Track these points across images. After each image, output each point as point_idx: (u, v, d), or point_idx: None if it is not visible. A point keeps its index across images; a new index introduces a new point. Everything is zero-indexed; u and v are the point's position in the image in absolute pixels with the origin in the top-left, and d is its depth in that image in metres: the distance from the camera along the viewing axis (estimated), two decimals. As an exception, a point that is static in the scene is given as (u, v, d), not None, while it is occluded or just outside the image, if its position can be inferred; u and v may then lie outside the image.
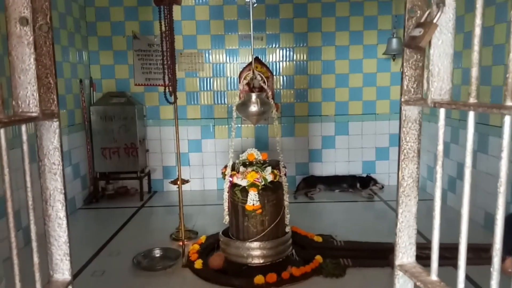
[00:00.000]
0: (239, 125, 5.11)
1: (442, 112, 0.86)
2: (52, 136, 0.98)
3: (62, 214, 1.01)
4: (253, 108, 2.99)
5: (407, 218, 1.16)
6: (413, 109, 0.99)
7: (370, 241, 3.39)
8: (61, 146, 1.00)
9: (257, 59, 4.77)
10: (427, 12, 0.90)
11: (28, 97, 0.88)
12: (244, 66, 4.65)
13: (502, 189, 0.70)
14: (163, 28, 2.70)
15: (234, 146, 3.11)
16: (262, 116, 3.06)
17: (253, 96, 3.03)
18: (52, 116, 0.97)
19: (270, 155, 5.16)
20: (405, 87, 0.99)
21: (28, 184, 0.87)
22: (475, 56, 0.77)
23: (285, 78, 5.16)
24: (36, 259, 0.90)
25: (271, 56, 5.13)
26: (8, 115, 0.85)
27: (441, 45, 0.87)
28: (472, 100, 0.77)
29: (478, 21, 0.76)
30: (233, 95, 5.12)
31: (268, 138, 5.17)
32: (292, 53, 5.11)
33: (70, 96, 4.47)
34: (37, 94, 0.88)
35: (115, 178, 4.93)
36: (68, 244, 1.05)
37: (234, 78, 5.11)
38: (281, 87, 5.17)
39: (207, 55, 5.08)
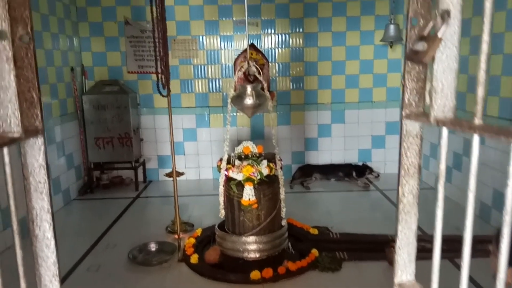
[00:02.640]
0: (234, 114, 5.04)
1: (445, 131, 0.82)
2: (37, 154, 0.94)
3: (49, 234, 0.97)
4: (249, 100, 2.94)
5: (406, 236, 1.13)
6: (414, 124, 0.95)
7: (366, 233, 3.40)
8: (46, 163, 0.95)
9: (252, 46, 4.66)
10: (430, 24, 0.85)
11: (9, 116, 0.83)
12: (239, 53, 4.56)
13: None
14: (155, 15, 2.61)
15: (229, 137, 3.07)
16: (258, 108, 3.00)
17: (249, 88, 2.97)
18: (36, 133, 0.92)
19: (265, 144, 5.13)
20: (406, 100, 0.94)
21: (13, 209, 0.83)
22: (482, 74, 0.73)
23: (280, 65, 5.08)
24: (23, 285, 0.87)
25: (266, 42, 5.03)
26: (-13, 138, 0.80)
27: (445, 59, 0.82)
28: (477, 121, 0.73)
29: (485, 37, 0.71)
30: (228, 82, 5.04)
31: (263, 127, 5.12)
32: (288, 39, 5.02)
33: (61, 85, 4.38)
34: (19, 113, 0.83)
35: (110, 168, 4.89)
36: (57, 265, 1.01)
37: (229, 65, 5.02)
38: (276, 75, 5.10)
39: (201, 41, 4.98)
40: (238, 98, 2.97)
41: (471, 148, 0.74)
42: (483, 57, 0.73)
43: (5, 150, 0.80)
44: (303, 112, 5.17)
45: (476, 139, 0.73)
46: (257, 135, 5.13)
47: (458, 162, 4.13)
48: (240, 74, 2.99)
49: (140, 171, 5.05)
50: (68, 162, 4.46)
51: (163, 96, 2.82)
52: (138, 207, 4.36)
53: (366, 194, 4.65)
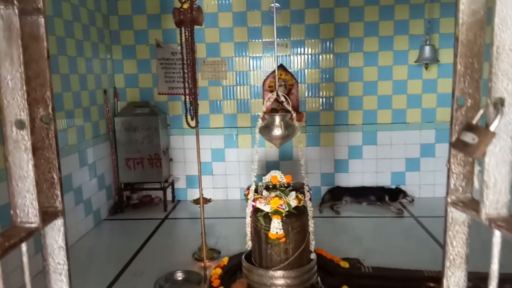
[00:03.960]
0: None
1: (498, 234, 0.72)
2: (56, 235, 0.91)
3: (68, 317, 0.94)
4: (277, 131, 2.88)
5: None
6: (462, 213, 0.85)
7: (400, 268, 3.23)
8: (66, 244, 0.92)
9: (281, 66, 4.61)
10: (480, 112, 0.75)
11: (27, 206, 0.80)
12: (268, 73, 4.52)
13: None
14: (185, 55, 2.61)
15: (257, 164, 3.00)
16: (286, 139, 2.94)
17: (277, 118, 2.91)
18: (56, 215, 0.90)
19: (294, 165, 5.05)
20: (452, 185, 0.85)
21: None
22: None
23: (310, 85, 4.99)
24: None
25: (296, 63, 4.97)
26: (4, 233, 0.77)
27: (499, 152, 0.73)
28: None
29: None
30: (257, 103, 5.00)
31: (292, 148, 5.03)
32: (318, 59, 4.93)
33: (94, 108, 4.48)
34: (37, 203, 0.80)
35: (139, 188, 4.95)
36: None
37: (258, 87, 4.99)
38: (306, 95, 5.01)
39: (230, 62, 4.98)
40: (266, 128, 2.91)
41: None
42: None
43: (23, 247, 0.77)
44: (333, 133, 5.05)
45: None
46: (285, 156, 5.05)
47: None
48: (268, 104, 2.94)
49: (169, 190, 5.08)
50: (99, 183, 4.54)
51: (191, 127, 2.80)
52: (166, 229, 4.37)
53: (400, 220, 4.46)
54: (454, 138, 0.78)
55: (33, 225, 0.81)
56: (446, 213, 0.87)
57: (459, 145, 0.74)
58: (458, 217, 0.86)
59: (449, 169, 0.84)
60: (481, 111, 0.73)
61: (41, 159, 0.88)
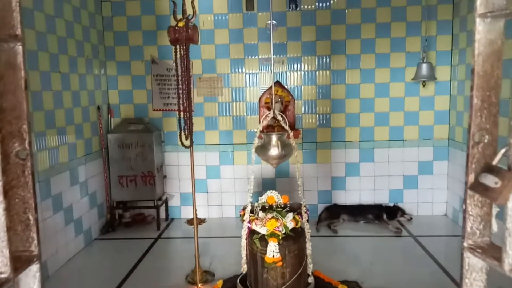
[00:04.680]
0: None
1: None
2: (31, 282, 0.82)
3: None
4: (274, 151, 2.81)
5: None
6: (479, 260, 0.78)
7: (400, 292, 3.13)
8: (42, 291, 0.83)
9: (278, 83, 4.57)
10: (501, 152, 0.69)
11: (-4, 254, 0.72)
12: (264, 90, 4.48)
13: None
14: (179, 70, 2.55)
15: (253, 182, 2.92)
16: (283, 159, 2.86)
17: (274, 138, 2.85)
18: (31, 261, 0.81)
19: (290, 183, 4.97)
20: (468, 229, 0.77)
21: None
22: None
23: (306, 102, 4.95)
24: None
25: (292, 79, 4.93)
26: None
27: (523, 196, 0.66)
28: None
29: None
30: (253, 120, 4.94)
31: (288, 165, 4.96)
32: (315, 76, 4.90)
33: (87, 125, 4.40)
34: (7, 250, 0.72)
35: (132, 207, 4.83)
36: None
37: (254, 103, 4.93)
38: (302, 112, 4.96)
39: (226, 79, 4.93)
40: (263, 148, 2.84)
41: None
42: None
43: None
44: (330, 150, 4.99)
45: None
46: (282, 173, 4.98)
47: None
48: (265, 123, 2.87)
49: (162, 208, 4.97)
50: (91, 201, 4.43)
51: (186, 147, 2.73)
52: (159, 249, 4.24)
53: (398, 240, 4.37)
54: (471, 179, 0.71)
55: (2, 276, 0.72)
56: (462, 258, 0.79)
57: (478, 188, 0.67)
58: (475, 263, 0.78)
59: (464, 211, 0.77)
60: (503, 151, 0.66)
61: (16, 199, 0.80)
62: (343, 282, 3.26)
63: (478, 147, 0.73)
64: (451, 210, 4.81)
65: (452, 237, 4.41)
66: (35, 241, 0.81)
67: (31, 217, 0.80)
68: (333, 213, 4.81)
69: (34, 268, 0.81)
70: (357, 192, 5.04)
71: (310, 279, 2.89)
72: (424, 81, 4.66)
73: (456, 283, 3.38)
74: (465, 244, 0.78)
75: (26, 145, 0.79)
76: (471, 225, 0.77)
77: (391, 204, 4.90)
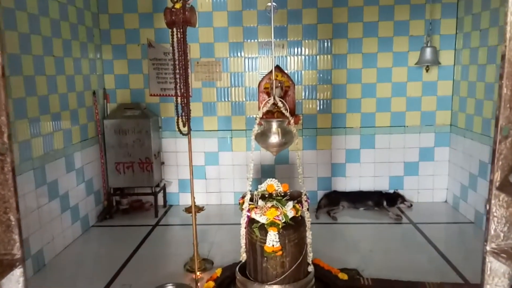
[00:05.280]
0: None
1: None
2: (14, 287, 0.75)
3: None
4: (274, 139, 2.73)
5: None
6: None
7: (401, 280, 3.10)
8: (24, 297, 0.76)
9: (277, 68, 4.47)
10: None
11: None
12: (264, 75, 4.37)
13: None
14: (176, 54, 2.44)
15: (252, 169, 2.84)
16: (284, 147, 2.79)
17: (274, 125, 2.77)
18: (13, 265, 0.74)
19: (290, 170, 4.91)
20: (492, 231, 0.70)
21: None
22: None
23: (307, 87, 4.85)
24: None
25: (292, 64, 4.82)
26: None
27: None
28: None
29: None
30: (252, 105, 4.85)
31: (288, 152, 4.89)
32: (315, 61, 4.79)
33: (82, 110, 4.30)
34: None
35: (130, 193, 4.78)
36: None
37: (253, 88, 4.83)
38: (303, 97, 4.87)
39: (225, 63, 4.81)
40: (263, 135, 2.76)
41: None
42: None
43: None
44: (330, 137, 4.91)
45: None
46: (281, 160, 4.91)
47: (484, 171, 3.95)
48: (265, 110, 2.78)
49: (160, 195, 4.92)
50: (87, 188, 4.36)
51: (183, 134, 2.65)
52: (157, 236, 4.21)
53: (398, 227, 4.33)
54: (497, 177, 0.64)
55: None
56: (483, 262, 0.72)
57: (508, 188, 0.60)
58: (497, 268, 0.71)
59: (488, 211, 0.70)
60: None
61: (-7, 197, 0.72)
62: (343, 270, 3.23)
63: (506, 142, 0.66)
64: (452, 197, 4.77)
65: (452, 224, 4.38)
66: (18, 244, 0.74)
67: (12, 218, 0.73)
68: (333, 200, 4.77)
69: (17, 272, 0.75)
70: (357, 178, 4.99)
71: (310, 268, 2.85)
72: (427, 66, 4.55)
73: (456, 270, 3.36)
74: (488, 248, 0.71)
75: (5, 139, 0.71)
76: (495, 227, 0.70)
77: (391, 191, 4.85)
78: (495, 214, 0.70)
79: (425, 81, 4.73)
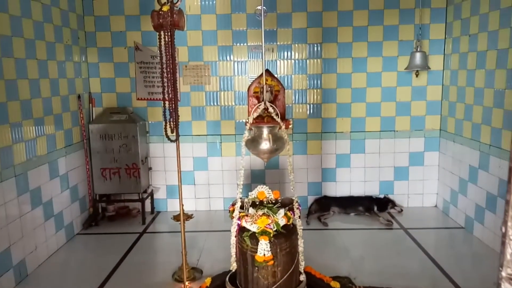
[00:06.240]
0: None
1: None
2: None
3: None
4: (265, 145, 2.67)
5: None
6: (521, 292, 0.66)
7: (393, 287, 3.07)
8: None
9: (267, 72, 4.42)
10: None
11: None
12: (254, 79, 4.31)
13: None
14: (163, 58, 2.37)
15: (243, 175, 2.77)
16: (275, 153, 2.73)
17: (265, 131, 2.71)
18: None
19: (280, 175, 4.85)
20: (508, 255, 0.65)
21: None
22: None
23: (297, 92, 4.81)
24: None
25: (282, 68, 4.77)
26: None
27: None
28: None
29: None
30: (241, 109, 4.79)
31: (278, 156, 4.83)
32: (305, 65, 4.75)
33: (67, 114, 4.18)
34: None
35: (116, 200, 4.66)
36: None
37: (242, 92, 4.77)
38: (292, 102, 4.82)
39: (214, 67, 4.74)
40: (254, 142, 2.70)
41: None
42: None
43: None
44: (321, 141, 4.88)
45: None
46: (272, 165, 4.85)
47: (474, 176, 3.98)
48: (255, 115, 2.72)
49: (148, 201, 4.81)
50: (72, 195, 4.23)
51: (171, 141, 2.57)
52: (145, 244, 4.10)
53: (389, 232, 4.31)
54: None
55: None
56: (498, 289, 0.67)
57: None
58: (514, 296, 0.66)
59: (504, 235, 0.64)
60: None
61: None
62: (335, 278, 3.18)
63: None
64: (442, 202, 4.77)
65: (443, 229, 4.37)
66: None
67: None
68: (324, 206, 4.73)
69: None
70: (348, 183, 4.96)
71: (302, 277, 2.79)
72: (417, 71, 4.55)
73: (447, 276, 3.34)
74: (503, 274, 0.66)
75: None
76: (511, 251, 0.65)
77: (382, 196, 4.84)
78: (511, 237, 0.64)
79: (414, 86, 4.73)
